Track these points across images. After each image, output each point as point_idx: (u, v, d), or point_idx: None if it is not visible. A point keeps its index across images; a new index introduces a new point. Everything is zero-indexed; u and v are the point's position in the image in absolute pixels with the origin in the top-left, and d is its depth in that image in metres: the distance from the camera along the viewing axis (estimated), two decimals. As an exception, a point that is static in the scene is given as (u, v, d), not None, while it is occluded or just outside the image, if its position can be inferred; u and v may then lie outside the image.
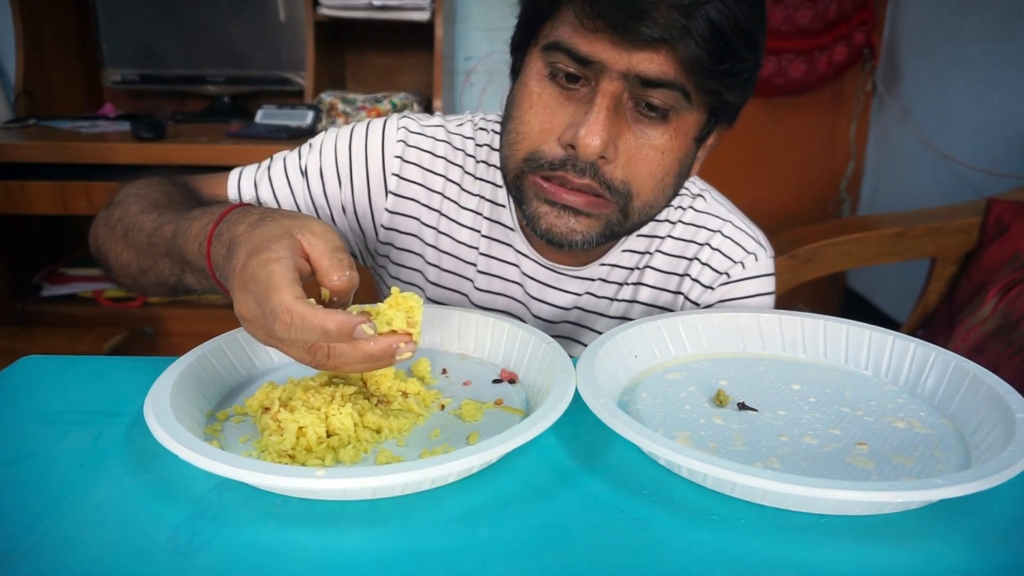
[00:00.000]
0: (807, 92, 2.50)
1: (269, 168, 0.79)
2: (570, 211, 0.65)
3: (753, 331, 0.70)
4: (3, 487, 0.48)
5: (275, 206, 0.77)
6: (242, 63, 2.18)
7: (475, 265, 0.81)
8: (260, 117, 1.97)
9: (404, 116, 0.81)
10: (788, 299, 1.61)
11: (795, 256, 1.65)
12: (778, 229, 1.84)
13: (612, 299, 0.81)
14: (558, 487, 0.49)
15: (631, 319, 0.81)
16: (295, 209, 0.77)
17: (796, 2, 2.37)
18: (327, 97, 2.01)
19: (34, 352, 0.68)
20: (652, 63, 0.59)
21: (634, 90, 0.61)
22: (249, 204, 0.61)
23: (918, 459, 0.52)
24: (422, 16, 2.01)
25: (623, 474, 0.51)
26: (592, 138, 0.60)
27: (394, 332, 0.50)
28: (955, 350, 0.63)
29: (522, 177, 0.67)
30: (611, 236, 0.68)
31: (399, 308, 0.52)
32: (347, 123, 2.08)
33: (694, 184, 0.83)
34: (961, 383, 0.58)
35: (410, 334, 0.50)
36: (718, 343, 0.69)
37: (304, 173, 0.78)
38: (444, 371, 0.65)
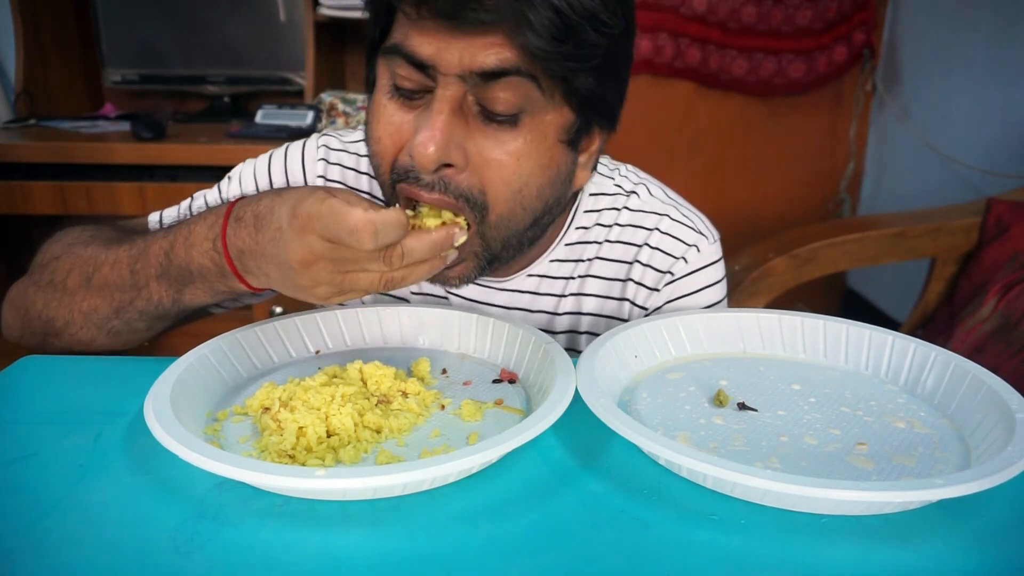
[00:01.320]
0: (807, 92, 2.50)
1: (190, 207, 0.78)
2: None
3: (753, 331, 0.70)
4: (3, 487, 0.48)
5: None
6: (242, 63, 2.18)
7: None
8: (260, 117, 1.97)
9: (325, 134, 0.80)
10: (788, 299, 1.60)
11: (795, 256, 1.65)
12: (778, 229, 1.84)
13: (553, 313, 0.78)
14: (558, 487, 0.49)
15: (579, 332, 0.78)
16: None
17: (796, 2, 2.37)
18: (327, 97, 2.01)
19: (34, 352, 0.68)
20: (489, 51, 0.54)
21: (477, 91, 0.56)
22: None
23: (918, 459, 0.52)
24: (422, 16, 2.01)
25: (623, 474, 0.50)
26: (428, 145, 0.55)
27: (444, 224, 0.56)
28: (955, 350, 0.63)
29: (395, 197, 0.63)
30: (488, 264, 0.64)
31: (435, 214, 0.58)
32: (347, 124, 2.07)
33: (628, 180, 0.79)
34: (961, 383, 0.58)
35: (457, 222, 0.56)
36: (718, 343, 0.69)
37: None
38: (444, 371, 0.65)
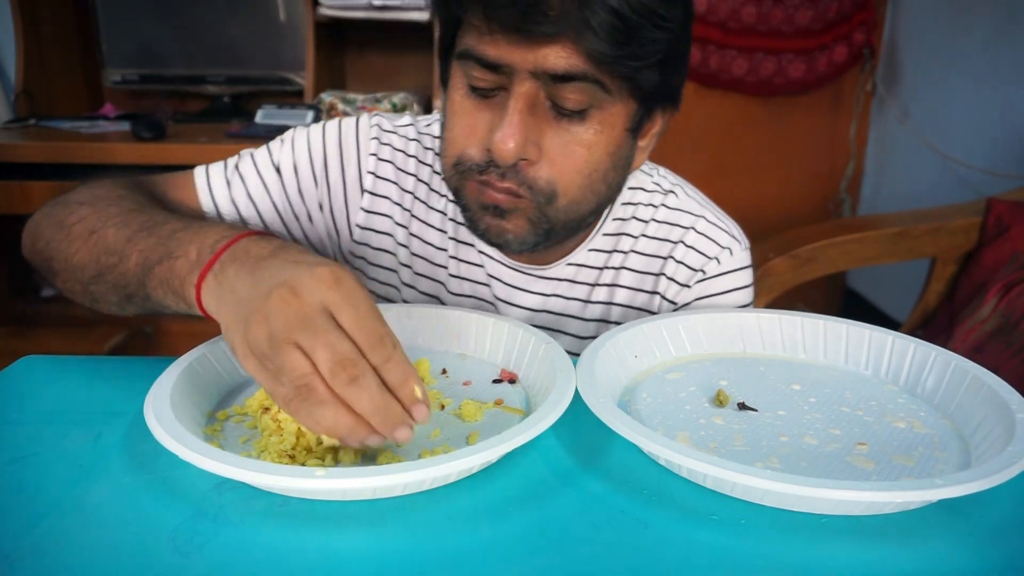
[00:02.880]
0: (807, 92, 2.50)
1: (237, 166, 0.77)
2: (498, 211, 0.65)
3: (753, 331, 0.70)
4: (3, 487, 0.48)
5: (248, 206, 0.76)
6: (242, 63, 2.18)
7: (446, 268, 0.80)
8: (260, 117, 1.97)
9: (375, 115, 0.81)
10: (788, 299, 1.60)
11: (795, 256, 1.65)
12: (778, 229, 1.84)
13: (586, 301, 0.80)
14: (558, 487, 0.49)
15: (610, 322, 0.80)
16: (271, 208, 0.77)
17: (796, 2, 2.37)
18: (327, 97, 2.01)
19: (34, 352, 0.68)
20: (558, 58, 0.58)
21: (549, 88, 0.60)
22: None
23: (918, 459, 0.52)
24: (422, 16, 2.01)
25: (623, 474, 0.50)
26: (507, 142, 0.60)
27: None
28: (955, 350, 0.63)
29: (459, 185, 0.67)
30: (544, 235, 0.66)
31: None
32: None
33: (665, 180, 0.81)
34: (961, 383, 0.58)
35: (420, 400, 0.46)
36: (718, 343, 0.69)
37: (278, 170, 0.77)
38: (444, 371, 0.65)
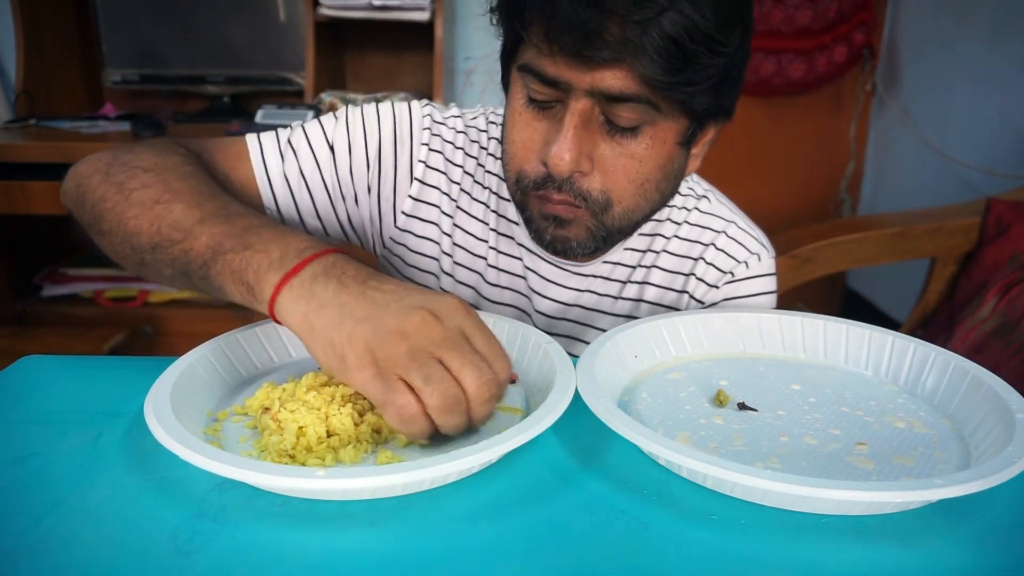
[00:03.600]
0: (807, 92, 2.50)
1: (290, 140, 0.77)
2: (560, 222, 0.68)
3: (753, 331, 0.70)
4: (3, 487, 0.48)
5: (300, 182, 0.76)
6: (242, 63, 2.18)
7: (485, 259, 0.82)
8: (260, 117, 1.97)
9: (426, 104, 0.82)
10: (788, 299, 1.60)
11: (795, 256, 1.65)
12: (778, 229, 1.84)
13: (616, 297, 0.82)
14: (558, 487, 0.49)
15: (638, 318, 0.81)
16: (321, 186, 0.77)
17: (796, 2, 2.37)
18: (327, 97, 2.01)
19: (34, 352, 0.68)
20: (614, 80, 0.60)
21: (603, 105, 0.62)
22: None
23: (918, 459, 0.52)
24: (422, 16, 2.01)
25: (623, 474, 0.51)
26: (562, 156, 0.62)
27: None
28: (955, 350, 0.63)
29: (522, 200, 0.70)
30: (602, 241, 0.70)
31: None
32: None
33: (699, 185, 0.84)
34: (961, 383, 0.58)
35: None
36: (718, 343, 0.69)
37: (331, 148, 0.77)
38: (444, 371, 0.65)
